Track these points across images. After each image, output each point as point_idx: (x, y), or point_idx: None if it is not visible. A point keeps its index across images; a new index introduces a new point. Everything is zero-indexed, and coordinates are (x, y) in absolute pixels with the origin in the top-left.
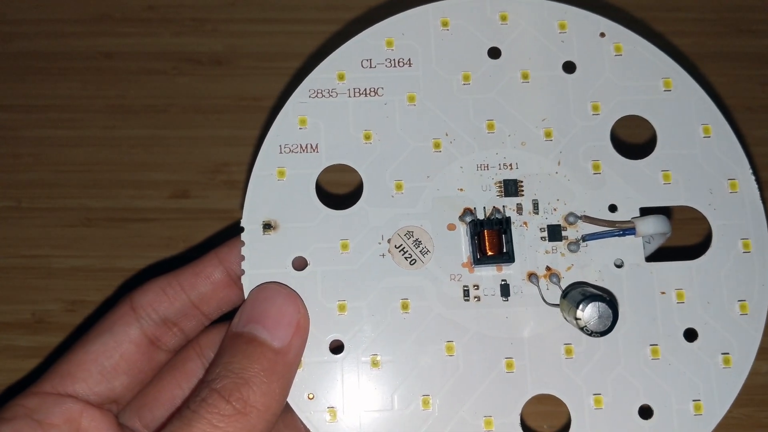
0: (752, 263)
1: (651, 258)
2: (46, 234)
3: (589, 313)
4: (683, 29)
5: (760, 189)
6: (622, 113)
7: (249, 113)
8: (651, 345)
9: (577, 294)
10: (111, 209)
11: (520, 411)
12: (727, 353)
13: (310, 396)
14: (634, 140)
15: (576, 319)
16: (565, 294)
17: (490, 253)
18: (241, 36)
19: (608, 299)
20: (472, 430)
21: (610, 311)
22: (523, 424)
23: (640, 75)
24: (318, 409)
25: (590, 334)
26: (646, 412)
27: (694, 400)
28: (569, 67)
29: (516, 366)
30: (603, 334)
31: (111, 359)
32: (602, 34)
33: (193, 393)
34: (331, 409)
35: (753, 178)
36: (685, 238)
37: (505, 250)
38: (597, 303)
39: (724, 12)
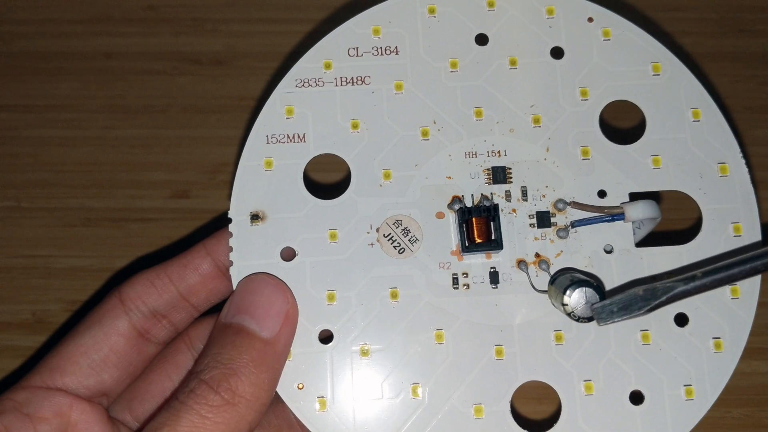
0: (743, 246)
1: (641, 243)
2: (46, 234)
3: (576, 298)
4: (683, 29)
5: (751, 172)
6: (611, 98)
7: (249, 113)
8: (642, 330)
9: (565, 280)
10: (111, 209)
11: (510, 398)
12: (719, 338)
13: (300, 386)
14: (623, 125)
15: (563, 304)
16: (553, 280)
17: (478, 241)
18: (241, 36)
19: (595, 285)
20: (462, 418)
21: (597, 296)
22: (513, 410)
23: (628, 60)
24: (308, 399)
25: (577, 320)
26: (637, 398)
27: (685, 386)
28: (557, 53)
29: (506, 353)
30: (590, 319)
31: (100, 352)
32: (590, 19)
33: (182, 384)
34: (321, 399)
35: (743, 162)
36: (675, 223)
37: (493, 237)
38: (584, 288)
39: (724, 12)
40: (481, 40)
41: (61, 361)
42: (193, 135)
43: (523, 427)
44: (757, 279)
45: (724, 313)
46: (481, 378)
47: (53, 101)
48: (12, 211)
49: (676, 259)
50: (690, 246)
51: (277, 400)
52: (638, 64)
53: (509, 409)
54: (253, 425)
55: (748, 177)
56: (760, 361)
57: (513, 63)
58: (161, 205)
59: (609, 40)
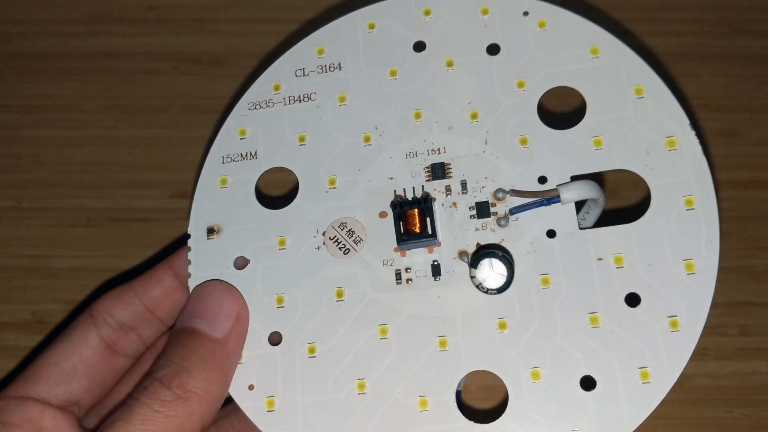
0: (697, 220)
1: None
2: (46, 234)
3: (483, 270)
4: (683, 29)
5: (703, 144)
6: (549, 86)
7: None
8: (590, 313)
9: (474, 259)
10: (111, 209)
11: (455, 389)
12: (675, 316)
13: (251, 387)
14: (567, 112)
15: (472, 277)
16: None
17: (411, 231)
18: (241, 36)
19: (500, 254)
20: (407, 410)
21: (503, 266)
22: (460, 401)
23: (566, 46)
24: (258, 399)
25: (487, 292)
26: (588, 383)
27: (640, 368)
28: (493, 50)
29: (449, 343)
30: (501, 290)
31: (69, 362)
32: (525, 13)
33: (137, 385)
34: (270, 399)
35: (693, 133)
36: (623, 203)
37: (427, 227)
38: (490, 260)
39: (724, 12)
40: (419, 47)
41: (34, 372)
42: (193, 135)
43: (470, 418)
44: (714, 252)
45: (679, 290)
46: (425, 370)
47: (53, 101)
48: (12, 211)
49: (624, 238)
50: (638, 223)
51: (224, 395)
52: (576, 49)
53: (454, 399)
54: (205, 419)
55: (699, 148)
56: (760, 361)
57: (449, 64)
58: (161, 205)
59: (545, 30)
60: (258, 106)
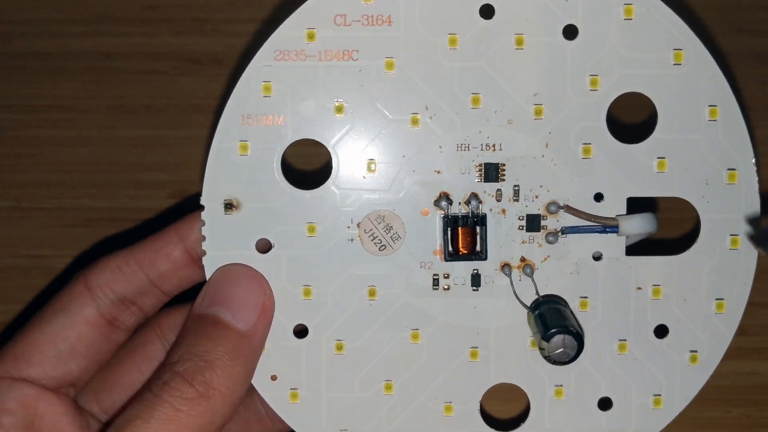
0: (738, 261)
1: (632, 251)
2: (46, 234)
3: (554, 344)
4: None
5: (760, 182)
6: (624, 90)
7: None
8: (620, 340)
9: (542, 323)
10: (111, 209)
11: (480, 398)
12: (695, 351)
13: (273, 377)
14: (630, 120)
15: (540, 348)
16: (535, 307)
17: (462, 252)
18: (241, 36)
19: (574, 332)
20: (432, 415)
21: (575, 343)
22: (481, 409)
23: (649, 45)
24: (280, 390)
25: (553, 363)
26: (605, 404)
27: (654, 395)
28: (570, 33)
29: (480, 355)
30: (565, 363)
31: (67, 341)
32: None
33: (154, 375)
34: (294, 391)
35: (755, 169)
36: (670, 230)
37: (478, 249)
38: (563, 336)
39: (725, 11)
40: (487, 12)
41: (25, 350)
42: (193, 135)
43: (490, 426)
44: (744, 295)
45: (705, 327)
46: (453, 377)
47: (53, 101)
48: (12, 211)
49: (665, 269)
50: (682, 257)
51: (246, 392)
52: (659, 51)
53: (478, 408)
54: (227, 419)
55: (756, 187)
56: (760, 361)
57: (519, 42)
58: (161, 205)
59: (631, 19)
60: (287, 56)
